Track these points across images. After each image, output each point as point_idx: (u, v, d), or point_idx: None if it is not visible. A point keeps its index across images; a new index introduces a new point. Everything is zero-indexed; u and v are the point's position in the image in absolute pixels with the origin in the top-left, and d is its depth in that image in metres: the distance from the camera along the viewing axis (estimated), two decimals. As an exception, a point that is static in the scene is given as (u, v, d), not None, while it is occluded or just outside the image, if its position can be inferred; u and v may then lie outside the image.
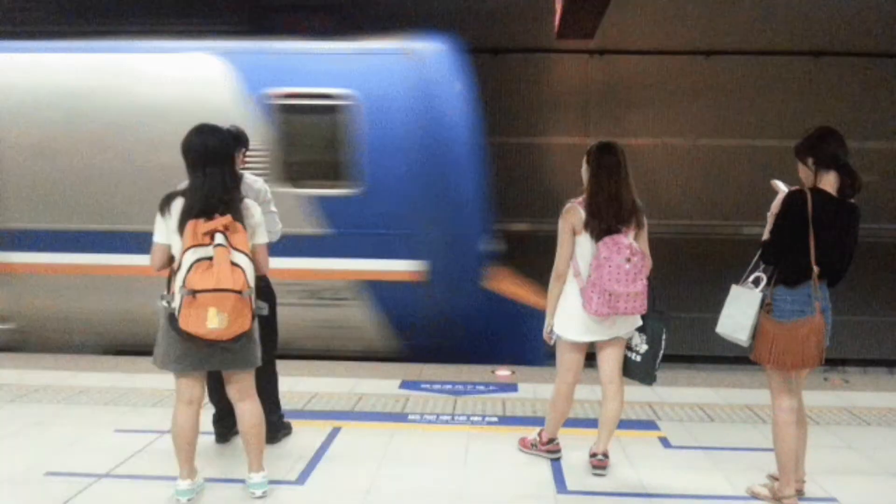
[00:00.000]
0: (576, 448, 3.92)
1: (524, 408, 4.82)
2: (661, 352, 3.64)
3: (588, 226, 3.48)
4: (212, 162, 3.13)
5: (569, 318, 3.59)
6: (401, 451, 4.03)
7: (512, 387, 5.33)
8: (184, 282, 2.96)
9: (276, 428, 4.11)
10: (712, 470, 3.80)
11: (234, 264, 2.98)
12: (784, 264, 3.17)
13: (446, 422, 4.55)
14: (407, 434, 4.32)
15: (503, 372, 5.81)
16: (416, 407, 4.83)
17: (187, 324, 2.96)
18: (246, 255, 3.06)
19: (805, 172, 3.22)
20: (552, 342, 3.71)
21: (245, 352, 3.19)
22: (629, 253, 3.37)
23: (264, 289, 3.84)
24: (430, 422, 4.55)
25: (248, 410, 3.30)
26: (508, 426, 4.46)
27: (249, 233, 3.17)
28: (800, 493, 3.38)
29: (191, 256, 2.97)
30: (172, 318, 3.04)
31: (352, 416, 4.61)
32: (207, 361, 3.16)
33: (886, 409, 4.90)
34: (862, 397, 5.17)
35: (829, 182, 3.12)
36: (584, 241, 3.51)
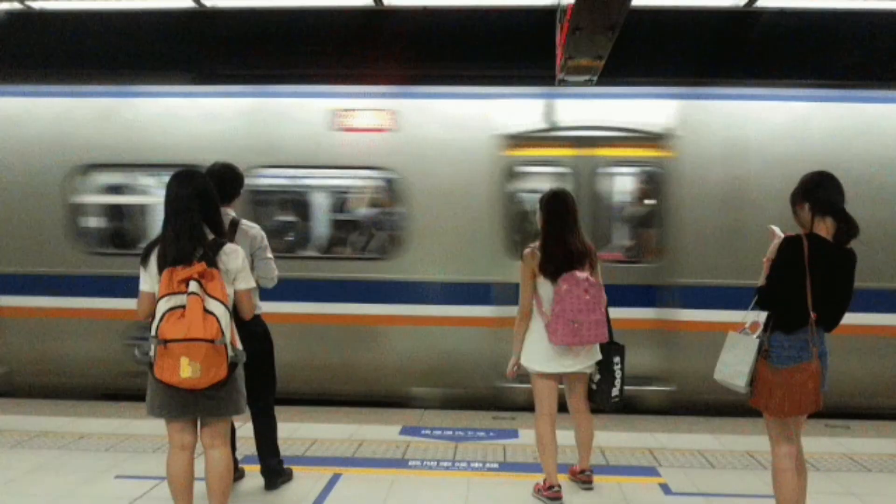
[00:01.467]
0: (575, 493, 3.91)
1: (525, 454, 4.80)
2: (618, 379, 4.02)
3: (542, 268, 3.83)
4: (185, 209, 3.12)
5: (535, 351, 3.88)
6: (401, 498, 4.02)
7: (513, 433, 5.32)
8: (156, 331, 2.96)
9: (276, 474, 4.11)
10: (713, 517, 3.79)
11: (207, 312, 2.95)
12: (781, 310, 3.18)
13: (447, 468, 4.54)
14: (407, 481, 4.30)
15: (504, 418, 5.80)
16: (416, 453, 4.82)
17: (162, 373, 2.96)
18: (222, 302, 3.01)
19: (801, 218, 3.26)
20: (515, 376, 4.03)
21: (228, 400, 3.17)
22: (587, 285, 3.75)
23: (261, 333, 3.91)
24: (430, 468, 4.54)
25: (218, 458, 3.24)
26: (509, 472, 4.45)
27: (231, 279, 3.17)
28: None
29: (163, 305, 2.97)
30: (151, 367, 3.02)
31: (352, 463, 4.60)
32: (191, 408, 3.14)
33: (887, 455, 4.88)
34: (862, 443, 5.15)
35: (826, 228, 3.15)
36: (544, 282, 3.85)
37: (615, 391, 4.01)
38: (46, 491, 4.02)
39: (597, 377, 4.00)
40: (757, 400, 3.22)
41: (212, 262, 3.06)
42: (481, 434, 5.29)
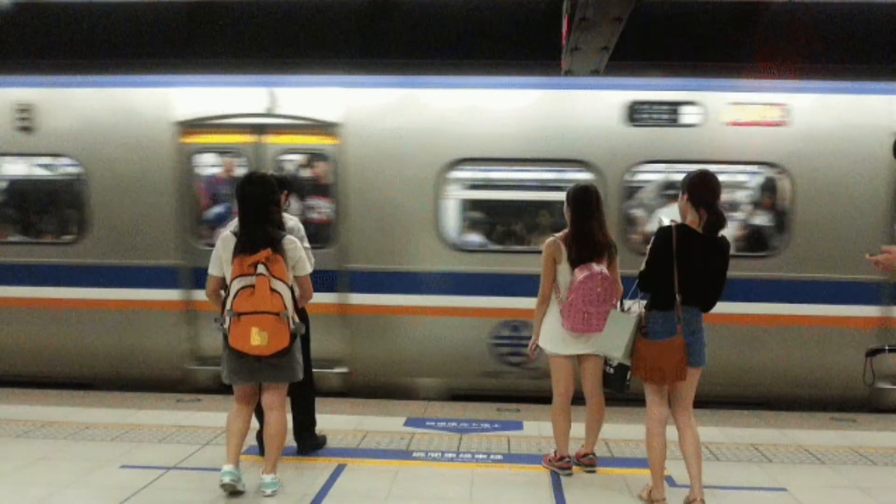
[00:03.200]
0: (578, 477, 3.90)
1: (529, 445, 4.81)
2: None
3: (567, 257, 4.07)
4: (258, 207, 3.70)
5: (551, 334, 4.15)
6: (405, 489, 4.03)
7: (517, 424, 5.32)
8: (231, 306, 3.57)
9: (311, 428, 4.57)
10: (718, 510, 3.78)
11: (273, 290, 3.55)
12: (655, 292, 3.60)
13: (451, 459, 4.54)
14: (412, 472, 4.31)
15: (508, 409, 5.80)
16: (421, 444, 4.82)
17: (236, 342, 3.57)
18: (284, 282, 3.61)
19: (681, 208, 3.66)
20: (535, 357, 4.30)
21: (288, 367, 3.78)
22: (601, 278, 3.99)
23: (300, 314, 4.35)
24: (434, 459, 4.54)
25: (276, 419, 3.85)
26: (513, 464, 4.45)
27: (291, 265, 3.71)
28: None
29: (236, 285, 3.59)
30: (226, 338, 3.62)
31: (357, 454, 4.61)
32: (257, 374, 3.74)
33: (893, 449, 4.86)
34: (868, 437, 5.14)
35: (695, 219, 3.55)
36: (564, 270, 4.10)
37: (630, 375, 4.10)
38: (52, 480, 4.03)
39: (615, 362, 4.13)
40: (635, 369, 3.65)
41: (276, 250, 3.63)
42: (486, 426, 5.29)
